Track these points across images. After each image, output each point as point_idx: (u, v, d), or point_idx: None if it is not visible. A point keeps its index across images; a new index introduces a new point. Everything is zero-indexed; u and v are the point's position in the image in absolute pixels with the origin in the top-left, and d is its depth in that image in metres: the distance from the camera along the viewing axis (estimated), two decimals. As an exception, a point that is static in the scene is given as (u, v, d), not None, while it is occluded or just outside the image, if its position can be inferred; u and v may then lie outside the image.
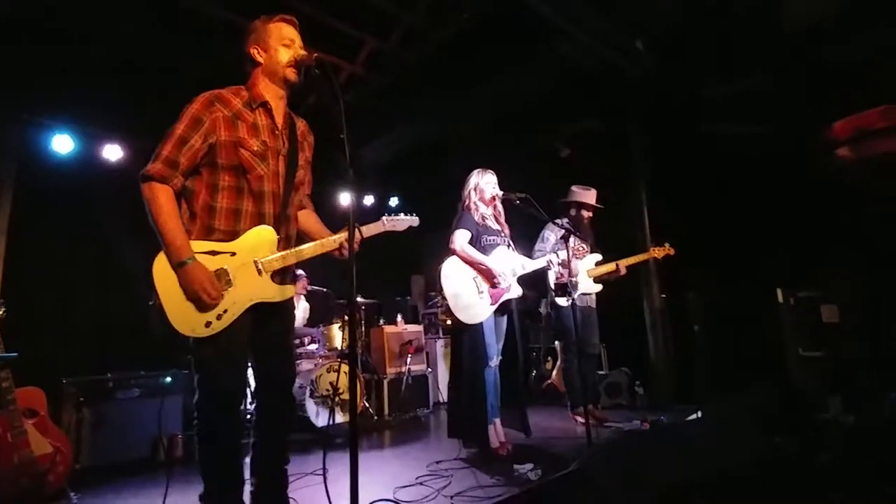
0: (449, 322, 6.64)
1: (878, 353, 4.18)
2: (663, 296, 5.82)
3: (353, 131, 1.99)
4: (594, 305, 4.82)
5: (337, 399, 4.72)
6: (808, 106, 4.98)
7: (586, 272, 4.71)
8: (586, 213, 4.83)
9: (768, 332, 4.89)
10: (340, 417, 4.76)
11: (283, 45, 2.35)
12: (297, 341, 5.63)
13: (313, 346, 5.59)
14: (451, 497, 2.87)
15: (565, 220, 4.70)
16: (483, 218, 3.93)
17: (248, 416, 3.84)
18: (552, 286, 4.61)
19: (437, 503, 2.85)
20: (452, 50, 5.33)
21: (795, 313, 4.78)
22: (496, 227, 3.99)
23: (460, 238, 3.77)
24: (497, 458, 3.55)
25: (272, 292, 2.29)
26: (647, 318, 5.81)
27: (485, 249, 3.82)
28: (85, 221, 5.26)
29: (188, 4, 4.51)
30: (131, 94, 5.03)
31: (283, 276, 2.36)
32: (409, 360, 5.72)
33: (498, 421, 3.77)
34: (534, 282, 4.24)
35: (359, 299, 5.54)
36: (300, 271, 5.58)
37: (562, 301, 4.59)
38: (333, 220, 2.66)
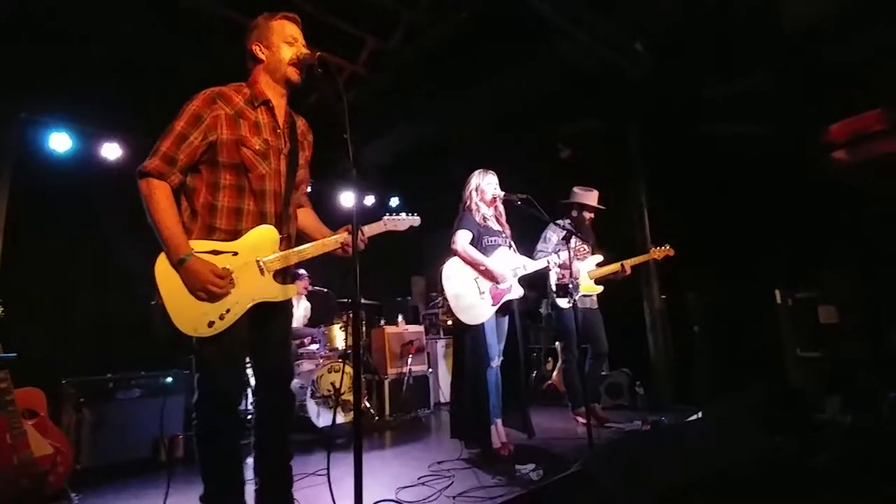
0: (450, 323, 6.66)
1: (876, 354, 4.18)
2: (663, 296, 5.82)
3: (354, 131, 1.98)
4: (596, 306, 4.82)
5: (337, 399, 4.72)
6: (808, 106, 4.98)
7: (587, 273, 4.71)
8: (588, 215, 4.83)
9: (767, 332, 4.90)
10: (341, 418, 4.75)
11: (285, 42, 2.34)
12: (298, 341, 5.63)
13: (314, 347, 5.59)
14: (454, 497, 2.88)
15: (567, 221, 4.71)
16: (484, 219, 3.93)
17: (248, 417, 3.83)
18: (553, 287, 4.61)
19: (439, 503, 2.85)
20: (453, 50, 5.33)
21: (793, 314, 4.79)
22: (497, 227, 3.99)
23: (462, 239, 3.77)
24: (499, 459, 3.55)
25: (275, 292, 2.28)
26: (648, 318, 5.82)
27: (486, 250, 3.82)
28: (83, 220, 5.25)
29: (188, 4, 4.50)
30: (129, 92, 5.01)
31: (284, 275, 2.35)
32: (410, 360, 5.72)
33: (499, 421, 3.78)
34: (534, 282, 4.24)
35: (350, 301, 5.51)
36: (301, 271, 5.58)
37: (563, 302, 4.59)
38: (333, 219, 2.66)
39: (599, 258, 4.81)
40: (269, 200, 2.28)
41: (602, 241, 4.94)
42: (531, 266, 3.95)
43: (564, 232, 3.88)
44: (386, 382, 5.47)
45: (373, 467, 3.66)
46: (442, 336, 6.71)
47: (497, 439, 3.70)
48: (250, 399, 4.14)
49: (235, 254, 2.19)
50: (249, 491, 2.28)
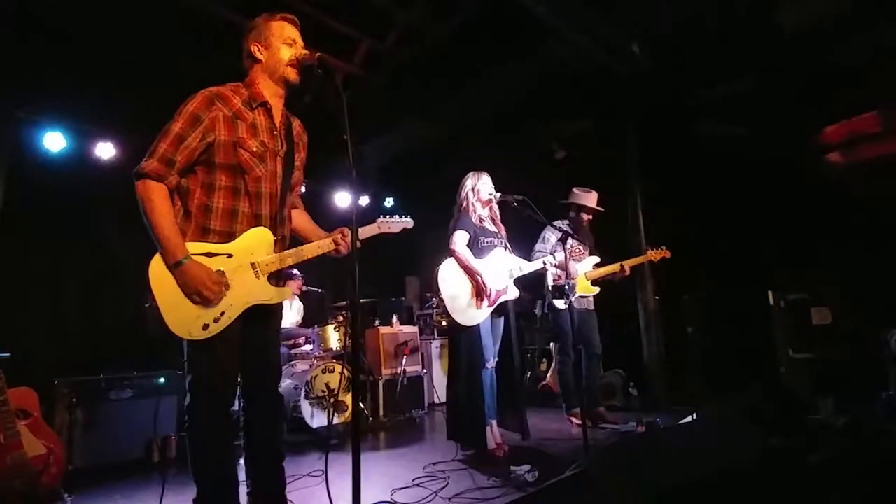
0: (444, 324, 6.65)
1: (868, 355, 4.21)
2: (656, 297, 5.84)
3: (350, 132, 1.99)
4: (592, 308, 4.84)
5: (332, 400, 4.71)
6: (805, 108, 5.01)
7: (585, 274, 4.72)
8: (586, 216, 4.84)
9: (761, 333, 4.93)
10: (335, 419, 4.74)
11: (284, 43, 2.33)
12: (292, 342, 5.61)
13: (308, 347, 5.57)
14: (449, 499, 2.87)
15: (565, 222, 4.72)
16: (480, 219, 3.94)
17: (237, 418, 3.82)
18: (549, 288, 4.62)
19: (434, 505, 2.85)
20: (447, 51, 5.33)
21: (786, 315, 4.82)
22: (493, 228, 4.00)
23: (459, 240, 3.78)
24: (494, 460, 3.55)
25: (270, 294, 2.28)
26: (642, 319, 5.83)
27: (482, 251, 3.83)
28: (77, 220, 5.22)
29: (187, 4, 4.48)
30: (124, 92, 4.99)
31: (279, 277, 2.35)
32: (404, 361, 5.71)
33: (494, 422, 3.78)
34: (529, 283, 4.24)
35: (349, 301, 5.51)
36: (295, 271, 5.56)
37: (559, 303, 4.60)
38: (327, 220, 2.66)
39: (597, 259, 4.82)
40: (265, 202, 2.27)
41: (597, 242, 4.95)
42: (527, 267, 3.96)
43: (562, 233, 3.89)
44: (380, 383, 5.45)
45: (367, 468, 3.64)
46: (436, 337, 6.70)
47: (492, 440, 3.70)
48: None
49: (230, 256, 2.18)
50: (243, 492, 2.27)
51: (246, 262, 2.20)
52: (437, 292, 3.83)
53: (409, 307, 7.85)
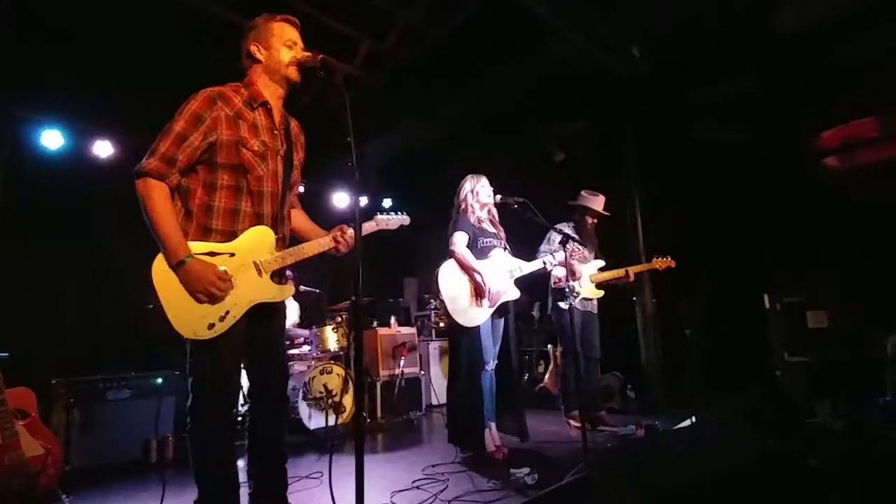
0: (442, 325, 6.65)
1: (865, 358, 4.22)
2: (654, 300, 5.85)
3: (353, 133, 1.99)
4: (595, 311, 4.84)
5: (330, 401, 4.70)
6: (805, 108, 5.02)
7: (589, 277, 4.73)
8: (591, 219, 4.86)
9: (759, 336, 4.94)
10: (333, 420, 4.73)
11: (284, 45, 2.33)
12: (289, 343, 5.59)
13: (306, 348, 5.56)
14: (449, 501, 2.87)
15: (571, 224, 4.73)
16: (479, 221, 3.95)
17: (240, 419, 3.81)
18: (552, 290, 4.64)
19: (434, 508, 2.85)
20: (447, 51, 5.32)
21: (781, 318, 4.83)
22: (492, 230, 4.01)
23: (459, 241, 3.78)
24: (493, 462, 3.55)
25: (273, 292, 2.29)
26: (640, 322, 5.84)
27: (482, 251, 3.84)
28: (74, 219, 5.20)
29: (187, 4, 4.46)
30: (121, 90, 4.98)
31: (281, 276, 2.37)
32: (402, 362, 5.70)
33: (493, 425, 3.78)
34: (526, 285, 4.24)
35: (352, 301, 5.49)
36: (288, 272, 5.53)
37: (562, 305, 4.60)
38: (325, 219, 2.66)
39: (602, 263, 4.83)
40: (267, 202, 2.28)
41: (598, 244, 4.96)
42: (527, 267, 3.97)
43: (562, 236, 3.90)
44: (378, 384, 5.44)
45: (366, 470, 3.60)
46: (434, 338, 6.70)
47: (491, 442, 3.70)
48: (241, 401, 4.14)
49: (232, 255, 2.18)
50: (243, 493, 2.26)
51: (248, 261, 2.21)
52: (437, 293, 3.83)
53: (407, 308, 7.84)
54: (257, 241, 2.25)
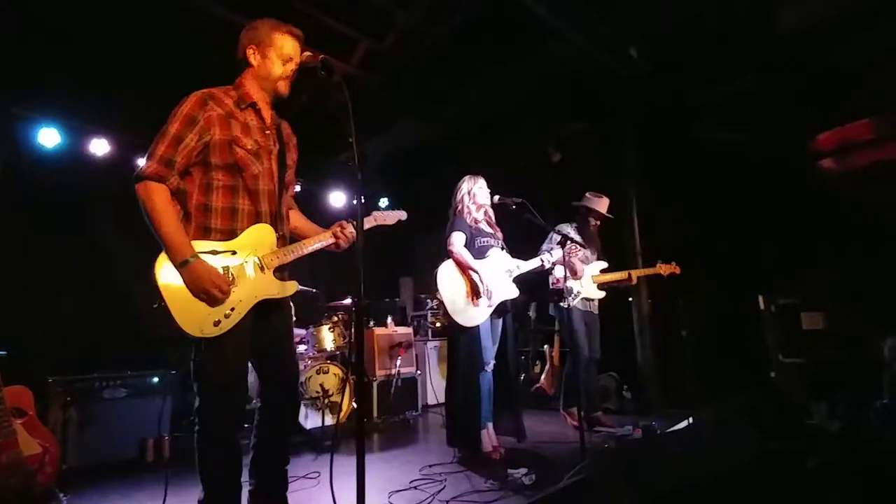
0: (438, 324, 6.65)
1: (862, 360, 4.24)
2: (650, 300, 5.86)
3: (348, 132, 2.00)
4: (596, 312, 4.84)
5: (326, 401, 4.69)
6: (805, 108, 5.03)
7: (591, 278, 4.73)
8: (594, 221, 4.86)
9: (755, 337, 4.95)
10: (329, 419, 4.72)
11: (280, 59, 2.34)
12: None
13: (302, 348, 5.53)
14: (447, 501, 2.88)
15: (574, 225, 4.73)
16: (476, 221, 3.97)
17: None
18: (551, 290, 4.65)
19: (432, 508, 2.85)
20: (447, 51, 5.32)
21: (776, 320, 4.84)
22: (489, 230, 4.02)
23: (457, 240, 3.79)
24: (490, 462, 3.56)
25: (276, 289, 2.29)
26: (636, 322, 5.84)
27: (479, 251, 3.85)
28: (72, 217, 5.17)
29: (187, 4, 4.45)
30: (119, 89, 4.97)
31: (283, 272, 2.37)
32: (398, 362, 5.69)
33: (490, 425, 3.78)
34: (523, 285, 4.25)
35: (348, 300, 5.50)
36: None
37: (562, 305, 4.60)
38: (324, 220, 2.67)
39: (605, 264, 4.84)
40: (264, 199, 2.29)
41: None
42: (525, 266, 3.98)
43: (560, 237, 3.90)
44: (374, 384, 5.43)
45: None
46: (431, 338, 6.69)
47: (488, 443, 3.70)
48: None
49: (234, 253, 2.19)
50: (243, 493, 2.26)
51: (250, 259, 2.22)
52: (436, 294, 3.84)
53: (403, 308, 7.83)
54: (258, 238, 2.26)
